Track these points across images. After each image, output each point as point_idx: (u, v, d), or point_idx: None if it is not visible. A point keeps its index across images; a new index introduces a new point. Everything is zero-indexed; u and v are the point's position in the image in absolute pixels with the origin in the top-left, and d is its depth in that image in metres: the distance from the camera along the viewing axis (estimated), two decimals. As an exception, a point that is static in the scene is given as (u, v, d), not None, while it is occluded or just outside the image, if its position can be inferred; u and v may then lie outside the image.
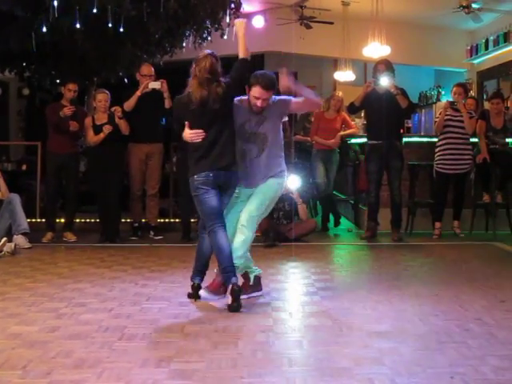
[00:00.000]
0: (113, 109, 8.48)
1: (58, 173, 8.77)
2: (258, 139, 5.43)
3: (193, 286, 5.44)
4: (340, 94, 10.02)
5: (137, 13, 8.60)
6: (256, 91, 5.29)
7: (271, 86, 5.31)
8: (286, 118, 9.33)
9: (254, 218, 5.36)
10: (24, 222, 8.18)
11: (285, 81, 5.44)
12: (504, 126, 9.26)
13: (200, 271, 5.48)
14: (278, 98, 5.46)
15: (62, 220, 9.03)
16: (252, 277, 5.61)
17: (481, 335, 4.45)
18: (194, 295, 5.42)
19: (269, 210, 5.56)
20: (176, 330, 4.57)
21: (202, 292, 5.36)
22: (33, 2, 8.57)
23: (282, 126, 5.59)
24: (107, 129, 8.37)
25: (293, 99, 5.48)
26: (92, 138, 8.55)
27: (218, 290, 5.32)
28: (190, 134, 5.33)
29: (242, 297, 5.34)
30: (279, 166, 5.51)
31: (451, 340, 4.33)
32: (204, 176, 5.30)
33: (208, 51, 5.45)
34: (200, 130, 5.30)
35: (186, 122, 5.37)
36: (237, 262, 5.28)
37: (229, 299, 5.14)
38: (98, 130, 8.47)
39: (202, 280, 5.48)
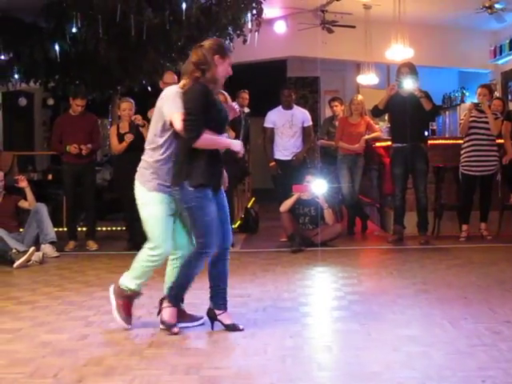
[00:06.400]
0: (133, 117, 8.53)
1: (75, 183, 8.84)
2: None
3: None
4: (359, 97, 9.98)
5: (159, 21, 8.66)
6: None
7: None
8: (310, 123, 9.42)
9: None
10: (51, 231, 8.25)
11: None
12: (530, 126, 9.19)
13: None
14: None
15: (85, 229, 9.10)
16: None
17: (511, 338, 4.41)
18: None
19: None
20: (205, 337, 4.58)
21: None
22: (56, 12, 8.66)
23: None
24: (128, 137, 8.43)
25: None
26: (116, 147, 8.62)
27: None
28: None
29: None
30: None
31: (481, 343, 4.29)
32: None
33: None
34: None
35: None
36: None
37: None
38: (122, 138, 8.54)
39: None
